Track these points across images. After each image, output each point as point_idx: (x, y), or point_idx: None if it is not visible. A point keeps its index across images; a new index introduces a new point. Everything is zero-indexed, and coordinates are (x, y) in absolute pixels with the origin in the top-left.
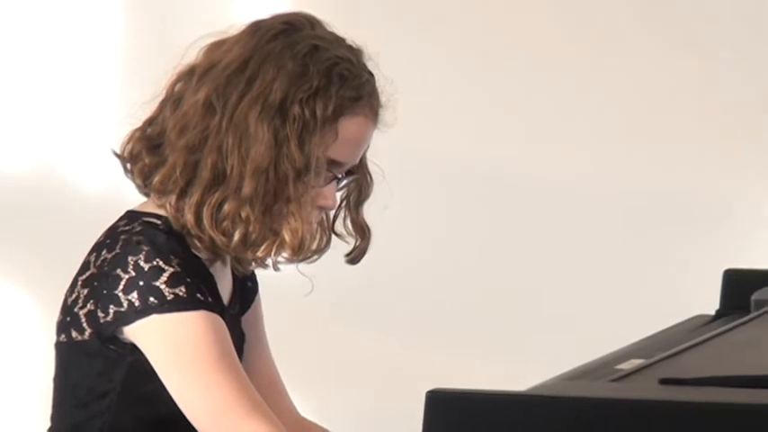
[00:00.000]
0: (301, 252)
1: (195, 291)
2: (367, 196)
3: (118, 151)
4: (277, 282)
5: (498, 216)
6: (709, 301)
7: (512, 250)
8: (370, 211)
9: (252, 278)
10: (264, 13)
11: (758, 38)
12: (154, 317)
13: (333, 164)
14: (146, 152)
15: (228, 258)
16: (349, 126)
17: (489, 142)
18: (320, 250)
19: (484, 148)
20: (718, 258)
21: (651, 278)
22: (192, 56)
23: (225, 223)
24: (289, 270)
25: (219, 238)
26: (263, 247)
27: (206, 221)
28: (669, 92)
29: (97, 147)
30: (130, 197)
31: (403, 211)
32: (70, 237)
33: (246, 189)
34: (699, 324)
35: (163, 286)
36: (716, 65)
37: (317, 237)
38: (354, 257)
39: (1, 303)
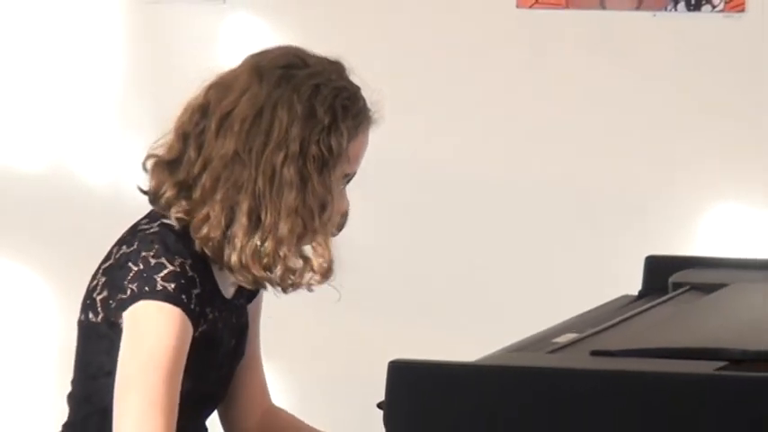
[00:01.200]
0: (329, 274)
1: (182, 292)
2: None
3: (144, 188)
4: None
5: (458, 211)
6: (632, 283)
7: (464, 242)
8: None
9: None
10: (256, 47)
11: (681, 37)
12: (142, 302)
13: (345, 177)
14: (181, 196)
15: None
16: (356, 146)
17: (446, 141)
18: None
19: (445, 146)
20: (641, 246)
21: (584, 263)
22: (195, 90)
23: (266, 260)
24: None
25: (262, 274)
26: (296, 276)
27: (250, 262)
28: (598, 90)
29: (103, 149)
30: (134, 194)
31: (379, 203)
32: (80, 228)
33: (282, 230)
34: (624, 303)
35: (159, 279)
36: (639, 62)
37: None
38: (338, 227)
39: (22, 288)
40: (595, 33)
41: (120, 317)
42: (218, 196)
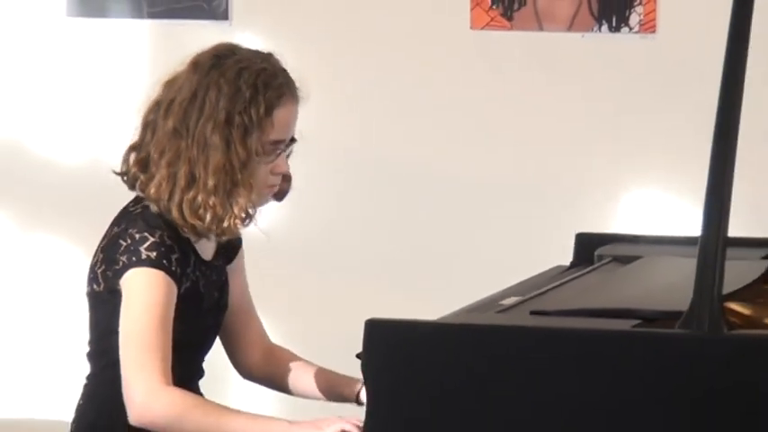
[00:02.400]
0: (248, 219)
1: (163, 257)
2: (290, 153)
3: (118, 171)
4: (255, 241)
5: (424, 197)
6: (565, 256)
7: (429, 223)
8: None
9: (234, 237)
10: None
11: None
12: (131, 270)
13: (277, 143)
14: (140, 171)
15: (214, 240)
16: (280, 114)
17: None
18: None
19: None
20: (572, 225)
21: (527, 239)
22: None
23: (200, 211)
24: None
25: (197, 223)
26: (225, 221)
27: (186, 213)
28: (537, 98)
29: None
30: None
31: (364, 192)
32: (112, 211)
33: (210, 184)
34: (558, 272)
35: (143, 250)
36: (570, 74)
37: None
38: (280, 196)
39: (70, 262)
40: (535, 50)
41: (118, 284)
42: (163, 163)
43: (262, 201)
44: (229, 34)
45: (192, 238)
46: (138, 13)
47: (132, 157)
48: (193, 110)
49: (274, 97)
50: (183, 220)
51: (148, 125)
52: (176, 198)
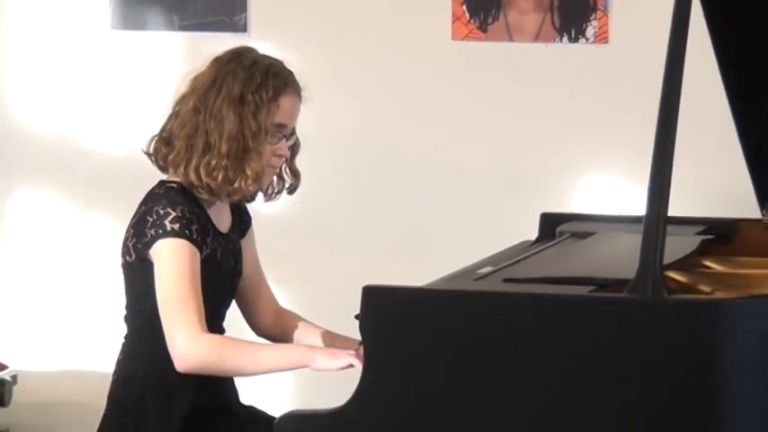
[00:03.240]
0: (260, 181)
1: (185, 228)
2: (297, 152)
3: (145, 149)
4: (263, 219)
5: (413, 182)
6: (531, 232)
7: (415, 203)
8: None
9: (246, 214)
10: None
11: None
12: (159, 241)
13: (280, 127)
14: (163, 146)
15: (226, 200)
16: (285, 101)
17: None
18: (279, 192)
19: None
20: (538, 207)
21: (499, 218)
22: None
23: (214, 172)
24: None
25: (212, 182)
26: (236, 183)
27: (202, 174)
28: (509, 98)
29: None
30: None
31: (363, 178)
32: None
33: (223, 149)
34: (525, 246)
35: (167, 223)
36: (537, 79)
37: (275, 179)
38: (291, 190)
39: (111, 235)
40: (506, 58)
41: (147, 254)
42: (182, 135)
43: (266, 179)
44: (249, 44)
45: (206, 203)
46: (171, 27)
47: (157, 138)
48: (212, 91)
49: (281, 85)
50: (199, 181)
51: (174, 113)
52: (194, 163)
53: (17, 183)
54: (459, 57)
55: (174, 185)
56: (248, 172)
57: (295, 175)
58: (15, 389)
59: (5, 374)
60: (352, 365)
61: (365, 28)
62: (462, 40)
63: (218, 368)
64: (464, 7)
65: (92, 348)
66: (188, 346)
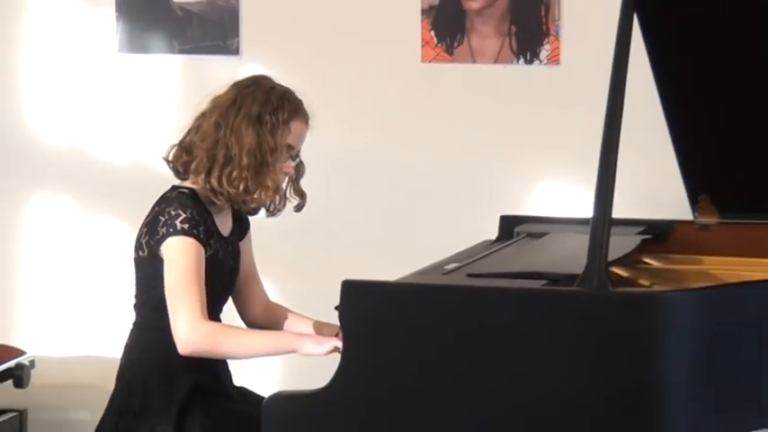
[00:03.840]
0: (278, 193)
1: (194, 228)
2: (303, 174)
3: (165, 156)
4: (260, 223)
5: (382, 189)
6: (492, 232)
7: (384, 206)
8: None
9: (246, 220)
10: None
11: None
12: (170, 238)
13: (289, 148)
14: (183, 155)
15: (239, 208)
16: (295, 126)
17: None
18: (281, 209)
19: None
20: (498, 210)
21: (465, 220)
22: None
23: (235, 182)
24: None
25: (232, 191)
26: (256, 193)
27: (224, 182)
28: (471, 113)
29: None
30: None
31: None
32: (151, 199)
33: (244, 162)
34: (486, 245)
35: (178, 223)
36: (495, 95)
37: (281, 198)
38: (299, 208)
39: (118, 234)
40: (470, 78)
41: (158, 250)
42: (204, 147)
43: (275, 193)
44: (241, 66)
45: (212, 209)
46: (172, 50)
47: (178, 146)
48: (233, 110)
49: (293, 110)
50: (220, 188)
51: (195, 127)
52: (215, 173)
53: (35, 189)
54: (428, 77)
55: (186, 191)
56: (269, 183)
57: (300, 195)
58: (33, 372)
59: (24, 359)
60: (337, 348)
61: (345, 52)
62: (431, 62)
63: (216, 352)
64: (432, 33)
65: (102, 335)
66: (189, 331)
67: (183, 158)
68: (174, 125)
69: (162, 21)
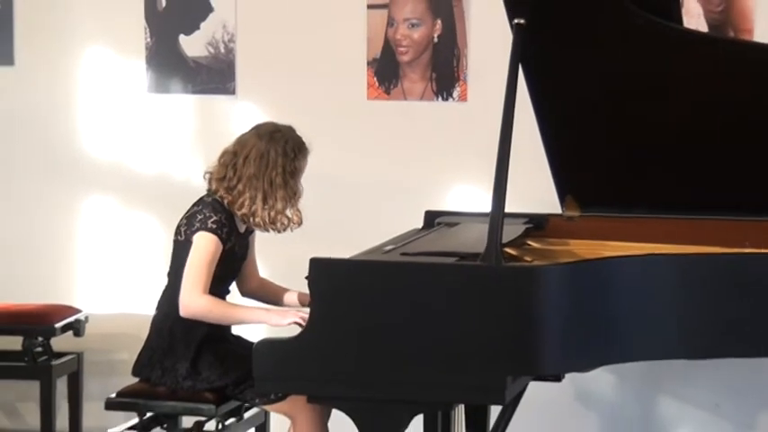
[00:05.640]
0: (298, 220)
1: (219, 229)
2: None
3: (207, 186)
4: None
5: (342, 200)
6: (418, 222)
7: (338, 207)
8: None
9: None
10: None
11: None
12: (201, 231)
13: (299, 177)
14: (226, 193)
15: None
16: (301, 162)
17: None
18: (285, 230)
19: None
20: (423, 206)
21: (399, 214)
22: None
23: (271, 214)
24: None
25: (271, 226)
26: (280, 223)
27: (266, 219)
28: (405, 139)
29: (179, 170)
30: (194, 187)
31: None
32: (174, 205)
33: (278, 204)
34: (414, 232)
35: (210, 222)
36: (422, 126)
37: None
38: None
39: (148, 226)
40: (402, 112)
41: (192, 238)
42: (246, 192)
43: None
44: (236, 102)
45: (234, 215)
46: (186, 91)
47: (218, 182)
48: (263, 163)
49: (302, 157)
50: (264, 223)
51: (228, 164)
52: (258, 211)
53: (88, 191)
54: (371, 110)
55: (219, 199)
56: (294, 218)
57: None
58: (87, 325)
59: (80, 316)
60: (297, 323)
61: (312, 91)
62: (373, 99)
63: (207, 317)
64: (375, 78)
65: (137, 297)
66: (189, 301)
67: (225, 196)
68: (188, 146)
69: (179, 69)
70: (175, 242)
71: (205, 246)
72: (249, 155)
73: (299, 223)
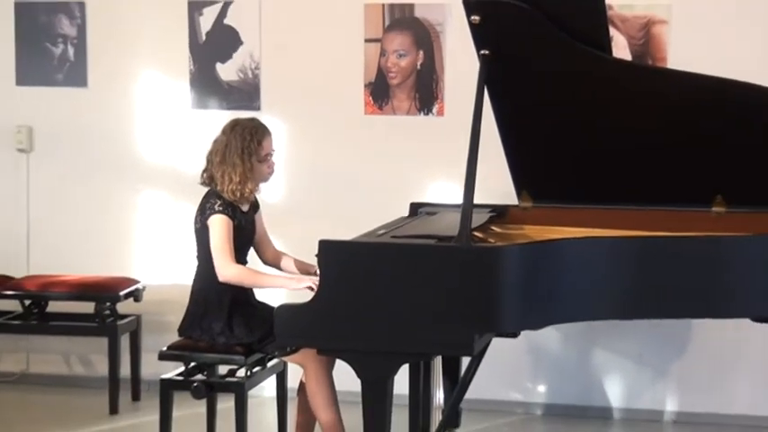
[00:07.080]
0: (257, 190)
1: (225, 210)
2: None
3: (200, 180)
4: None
5: (331, 193)
6: (405, 211)
7: (338, 203)
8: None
9: (257, 202)
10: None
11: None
12: (213, 215)
13: (266, 155)
14: (209, 179)
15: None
16: (264, 144)
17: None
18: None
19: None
20: (409, 198)
21: (391, 205)
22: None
23: (235, 191)
24: (274, 201)
25: (237, 193)
26: (246, 194)
27: (233, 190)
28: (396, 149)
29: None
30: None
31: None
32: (186, 197)
33: (236, 180)
34: (402, 219)
35: (216, 207)
36: (407, 136)
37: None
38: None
39: (188, 214)
40: (392, 124)
41: (207, 222)
42: (218, 175)
43: (265, 180)
44: (261, 117)
45: (235, 202)
46: (222, 107)
47: (206, 176)
48: (227, 151)
49: (261, 138)
50: (231, 195)
51: (208, 160)
52: (227, 187)
53: (143, 187)
54: (368, 123)
55: (218, 191)
56: (249, 187)
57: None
58: (144, 293)
59: (139, 285)
60: (310, 287)
61: (321, 108)
62: (369, 114)
63: (240, 283)
64: (370, 97)
65: (182, 270)
66: (224, 270)
67: (207, 181)
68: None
69: (216, 90)
70: (196, 231)
71: (219, 225)
72: (218, 148)
73: (253, 191)
